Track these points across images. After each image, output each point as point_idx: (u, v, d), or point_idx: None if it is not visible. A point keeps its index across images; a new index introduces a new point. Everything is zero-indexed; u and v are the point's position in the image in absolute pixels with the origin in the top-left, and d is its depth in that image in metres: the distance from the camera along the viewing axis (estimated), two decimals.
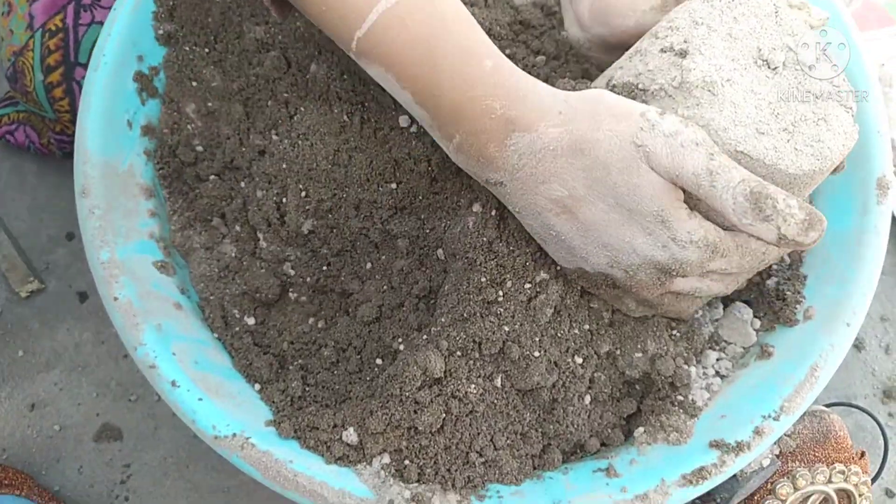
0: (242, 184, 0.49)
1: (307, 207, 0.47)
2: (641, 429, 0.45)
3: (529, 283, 0.44)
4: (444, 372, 0.42)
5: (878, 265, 0.46)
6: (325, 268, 0.49)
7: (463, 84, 0.38)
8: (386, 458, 0.42)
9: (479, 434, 0.43)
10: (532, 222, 0.41)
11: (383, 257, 0.48)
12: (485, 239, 0.44)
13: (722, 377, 0.46)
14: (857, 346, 0.62)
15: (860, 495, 0.52)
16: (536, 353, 0.43)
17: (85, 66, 0.59)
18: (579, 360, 0.45)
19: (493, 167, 0.40)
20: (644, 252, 0.39)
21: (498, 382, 0.43)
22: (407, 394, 0.42)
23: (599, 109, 0.38)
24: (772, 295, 0.47)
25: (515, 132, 0.38)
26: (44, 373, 0.62)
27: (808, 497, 0.51)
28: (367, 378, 0.46)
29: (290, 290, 0.49)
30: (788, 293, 0.47)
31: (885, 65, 0.67)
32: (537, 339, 0.44)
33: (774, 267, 0.48)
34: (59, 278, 0.65)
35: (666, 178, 0.37)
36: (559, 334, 0.44)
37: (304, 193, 0.47)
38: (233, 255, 0.49)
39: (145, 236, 0.47)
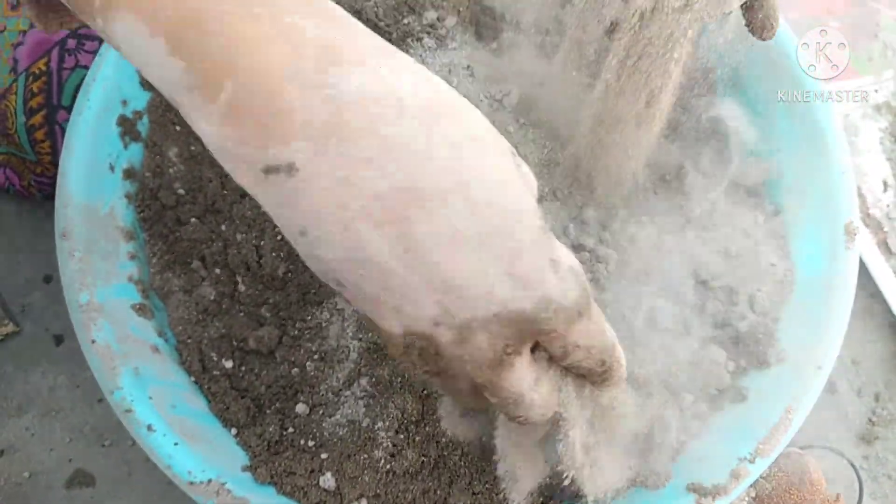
0: (223, 227, 0.50)
1: (282, 251, 0.48)
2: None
3: None
4: (421, 413, 0.42)
5: (847, 309, 0.47)
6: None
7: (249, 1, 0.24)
8: None
9: (458, 477, 0.43)
10: (330, 249, 0.25)
11: None
12: None
13: (698, 420, 0.47)
14: (830, 389, 0.62)
15: None
16: None
17: (67, 110, 0.59)
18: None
19: (283, 133, 0.24)
20: (500, 294, 0.25)
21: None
22: (384, 437, 0.42)
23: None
24: (744, 338, 0.48)
25: (338, 66, 0.24)
26: (15, 417, 0.61)
27: None
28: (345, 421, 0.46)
29: None
30: (761, 336, 0.48)
31: (850, 115, 0.69)
32: None
33: (746, 310, 0.49)
34: (35, 321, 0.64)
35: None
36: None
37: (279, 237, 0.48)
38: (212, 298, 0.49)
39: (124, 279, 0.47)
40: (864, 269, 0.64)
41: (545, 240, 0.26)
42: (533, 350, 0.28)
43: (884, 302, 0.64)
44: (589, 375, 0.31)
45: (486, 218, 0.25)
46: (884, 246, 0.65)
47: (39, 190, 0.66)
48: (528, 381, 0.28)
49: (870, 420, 0.62)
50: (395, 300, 0.26)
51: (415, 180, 0.24)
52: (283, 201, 0.25)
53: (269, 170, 0.24)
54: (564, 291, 0.26)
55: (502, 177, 0.25)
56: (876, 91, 0.70)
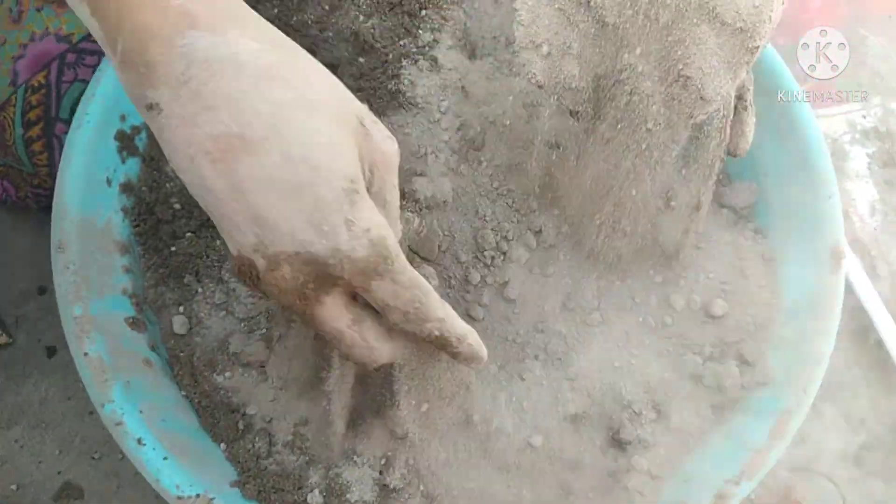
0: (218, 241, 0.50)
1: None
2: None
3: None
4: (410, 430, 0.43)
5: (833, 332, 0.48)
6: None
7: None
8: None
9: (444, 495, 0.43)
10: (184, 175, 0.32)
11: None
12: None
13: (684, 441, 0.47)
14: (817, 412, 0.63)
15: None
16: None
17: (65, 122, 0.60)
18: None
19: (153, 79, 0.30)
20: (300, 236, 0.31)
21: (461, 444, 0.44)
22: (372, 453, 0.42)
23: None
24: (731, 360, 0.49)
25: (193, 30, 0.30)
26: (4, 429, 0.61)
27: None
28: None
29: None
30: (748, 358, 0.48)
31: (838, 140, 0.70)
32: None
33: (733, 333, 0.50)
34: (28, 332, 0.64)
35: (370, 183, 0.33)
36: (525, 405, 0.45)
37: None
38: (205, 312, 0.49)
39: (118, 292, 0.47)
40: (851, 293, 0.65)
41: (346, 201, 0.31)
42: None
43: (871, 325, 0.65)
44: (432, 342, 0.36)
45: (297, 171, 0.30)
46: (871, 269, 0.66)
47: (36, 201, 0.66)
48: (344, 321, 0.34)
49: (857, 443, 0.62)
50: (229, 226, 0.32)
51: (242, 129, 0.30)
52: (157, 133, 0.32)
53: (149, 107, 0.31)
54: (353, 247, 0.31)
55: (322, 139, 0.30)
56: (864, 117, 0.72)
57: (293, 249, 0.31)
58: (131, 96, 0.32)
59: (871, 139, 0.71)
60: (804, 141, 0.53)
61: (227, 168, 0.30)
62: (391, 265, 0.32)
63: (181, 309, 0.49)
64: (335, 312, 0.34)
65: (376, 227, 0.32)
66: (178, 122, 0.30)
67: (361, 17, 0.51)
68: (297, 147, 0.30)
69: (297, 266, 0.31)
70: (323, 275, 0.32)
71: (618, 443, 0.47)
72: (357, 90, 0.49)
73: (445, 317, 0.35)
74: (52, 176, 0.62)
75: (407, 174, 0.48)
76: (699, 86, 0.40)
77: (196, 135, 0.30)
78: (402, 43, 0.49)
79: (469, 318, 0.47)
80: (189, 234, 0.50)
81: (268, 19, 0.51)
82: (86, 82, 0.57)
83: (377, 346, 0.36)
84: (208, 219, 0.50)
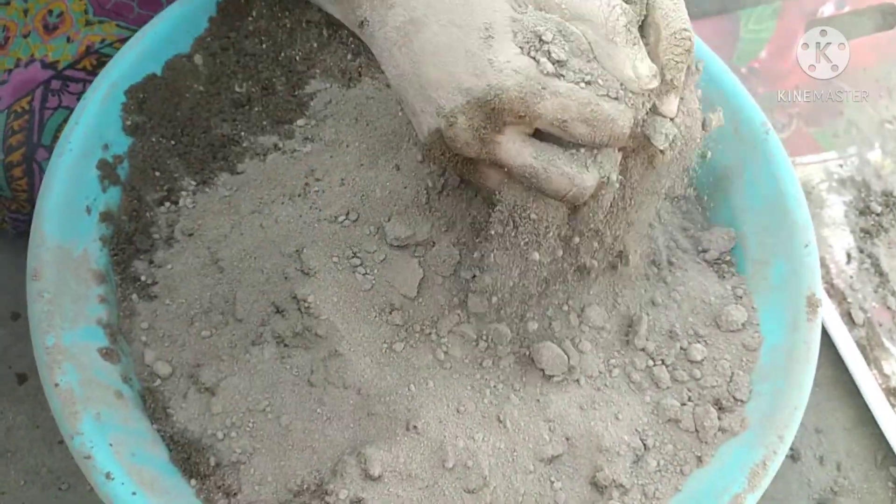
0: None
1: (257, 300, 0.48)
2: None
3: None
4: (385, 470, 0.42)
5: (809, 379, 0.48)
6: None
7: None
8: None
9: None
10: (392, 74, 0.39)
11: None
12: None
13: (661, 486, 0.47)
14: (793, 456, 0.63)
15: None
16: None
17: (47, 149, 0.60)
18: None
19: (357, 1, 0.39)
20: (462, 82, 0.36)
21: (438, 486, 0.44)
22: (345, 494, 0.41)
23: None
24: (708, 405, 0.49)
25: None
26: None
27: None
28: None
29: None
30: (725, 403, 0.49)
31: (815, 189, 0.72)
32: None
33: (710, 378, 0.50)
34: None
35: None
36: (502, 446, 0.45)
37: (248, 287, 0.48)
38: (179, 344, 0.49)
39: (93, 322, 0.46)
40: (828, 339, 0.66)
41: (485, 46, 0.36)
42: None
43: (847, 371, 0.66)
44: (635, 137, 0.38)
45: (450, 34, 0.36)
46: (847, 316, 0.67)
47: (14, 226, 0.66)
48: (526, 153, 0.37)
49: (831, 489, 0.63)
50: (420, 105, 0.38)
51: (411, 13, 0.37)
52: (370, 46, 0.40)
53: (360, 24, 0.39)
54: (501, 80, 0.36)
55: (459, 2, 0.36)
56: (840, 166, 0.73)
57: (462, 100, 0.36)
58: (346, 22, 0.41)
59: (847, 187, 0.73)
60: (781, 189, 0.54)
61: (408, 49, 0.37)
62: (544, 85, 0.35)
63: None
64: (514, 148, 0.37)
65: (516, 58, 0.36)
66: (378, 27, 0.38)
67: (349, 56, 0.51)
68: (444, 14, 0.36)
69: (468, 113, 0.36)
70: (490, 114, 0.36)
71: (596, 486, 0.46)
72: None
73: (620, 112, 0.36)
74: (31, 202, 0.61)
75: (386, 212, 0.48)
76: None
77: (388, 31, 0.38)
78: None
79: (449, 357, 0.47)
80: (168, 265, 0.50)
81: (256, 54, 0.52)
82: (70, 109, 0.57)
83: (575, 172, 0.37)
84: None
